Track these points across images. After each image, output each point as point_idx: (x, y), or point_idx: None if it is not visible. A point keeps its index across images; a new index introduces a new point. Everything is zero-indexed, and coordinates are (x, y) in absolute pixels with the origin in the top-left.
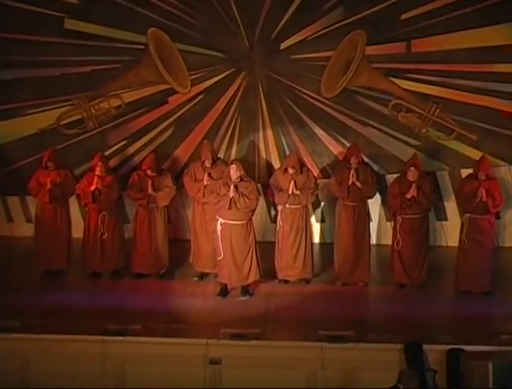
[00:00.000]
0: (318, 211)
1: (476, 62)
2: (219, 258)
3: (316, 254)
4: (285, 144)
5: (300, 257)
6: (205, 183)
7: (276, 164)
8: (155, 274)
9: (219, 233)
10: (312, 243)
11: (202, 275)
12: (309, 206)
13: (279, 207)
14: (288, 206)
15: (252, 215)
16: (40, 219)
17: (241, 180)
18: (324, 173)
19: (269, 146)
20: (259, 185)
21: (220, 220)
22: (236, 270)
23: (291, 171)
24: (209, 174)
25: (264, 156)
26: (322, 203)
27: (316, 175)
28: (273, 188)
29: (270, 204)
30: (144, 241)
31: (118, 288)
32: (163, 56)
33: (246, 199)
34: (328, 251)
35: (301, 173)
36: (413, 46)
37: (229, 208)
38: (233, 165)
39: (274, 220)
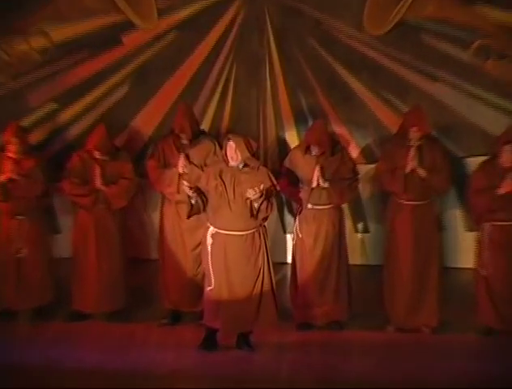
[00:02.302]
0: (359, 215)
1: None
2: (209, 288)
3: (355, 282)
4: (306, 110)
5: (330, 287)
6: (180, 171)
7: (292, 142)
8: (104, 314)
9: (209, 249)
10: (348, 265)
11: (176, 316)
12: (345, 206)
13: (298, 209)
14: (310, 206)
15: (265, 219)
16: None
17: (245, 165)
18: (368, 155)
19: (281, 112)
20: None
21: (211, 228)
22: (238, 308)
23: (315, 151)
24: (186, 157)
25: (273, 129)
26: (365, 203)
27: (355, 158)
28: (284, 178)
29: (283, 204)
30: (88, 263)
31: (45, 336)
32: None
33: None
34: (374, 278)
35: (332, 154)
36: None
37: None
38: (231, 143)
39: (290, 230)
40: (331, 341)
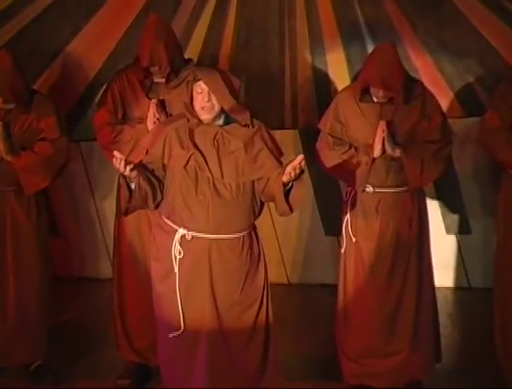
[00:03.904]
0: (452, 204)
1: None
2: (174, 334)
3: (445, 317)
4: (364, 26)
5: (403, 326)
6: (150, 127)
7: (339, 80)
8: (17, 370)
9: (175, 268)
10: (434, 289)
11: (143, 374)
12: (429, 189)
13: (349, 195)
14: (371, 189)
15: (258, 214)
16: None
17: (227, 121)
18: (469, 104)
19: (320, 29)
20: (295, 133)
21: (181, 231)
22: (234, 362)
23: (379, 96)
24: (161, 104)
25: (307, 58)
26: (463, 183)
27: (447, 108)
28: (325, 142)
29: (322, 187)
30: None
31: None
32: None
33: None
34: (478, 312)
35: (407, 102)
36: None
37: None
38: (200, 83)
39: (336, 231)
40: None
